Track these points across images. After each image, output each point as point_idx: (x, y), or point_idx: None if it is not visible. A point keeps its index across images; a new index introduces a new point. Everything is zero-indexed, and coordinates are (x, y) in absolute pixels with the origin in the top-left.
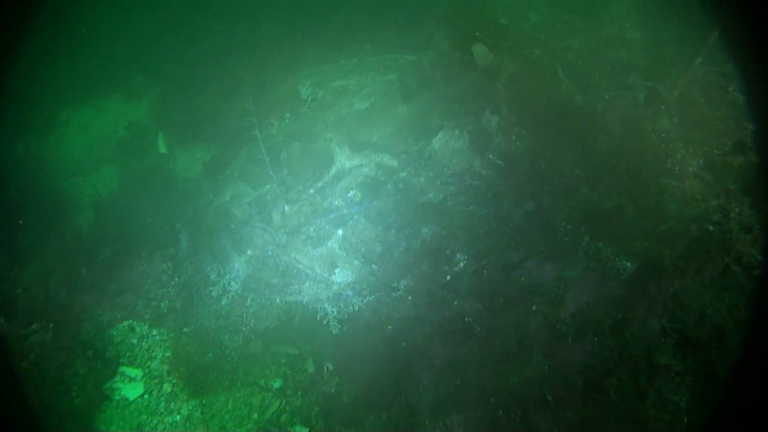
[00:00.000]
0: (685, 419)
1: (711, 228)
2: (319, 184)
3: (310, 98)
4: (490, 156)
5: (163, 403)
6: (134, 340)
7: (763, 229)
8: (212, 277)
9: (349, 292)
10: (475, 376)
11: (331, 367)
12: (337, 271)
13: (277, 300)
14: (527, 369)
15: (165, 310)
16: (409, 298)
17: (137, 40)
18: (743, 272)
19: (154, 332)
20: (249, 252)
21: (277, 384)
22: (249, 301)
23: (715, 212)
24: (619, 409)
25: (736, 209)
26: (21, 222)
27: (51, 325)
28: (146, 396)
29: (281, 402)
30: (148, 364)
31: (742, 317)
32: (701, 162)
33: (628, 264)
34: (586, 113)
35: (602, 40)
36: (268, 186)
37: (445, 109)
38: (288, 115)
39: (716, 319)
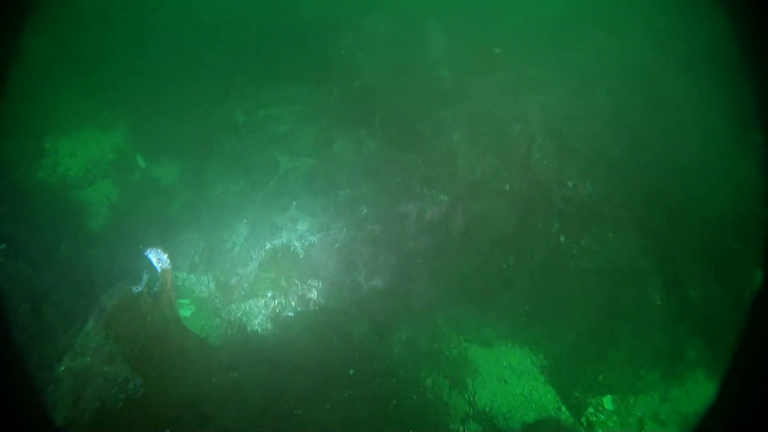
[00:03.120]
0: None
1: None
2: (276, 178)
3: (246, 123)
4: (363, 151)
5: (210, 314)
6: (179, 283)
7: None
8: (224, 237)
9: (307, 234)
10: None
11: (296, 281)
12: (298, 223)
13: (267, 244)
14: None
15: (197, 261)
16: (341, 234)
17: (94, 74)
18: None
19: (191, 276)
20: (245, 220)
21: (269, 293)
22: (250, 245)
23: None
24: None
25: None
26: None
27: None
28: (197, 312)
29: (275, 303)
30: (192, 295)
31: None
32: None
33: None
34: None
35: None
36: (242, 182)
37: (337, 128)
38: (233, 135)
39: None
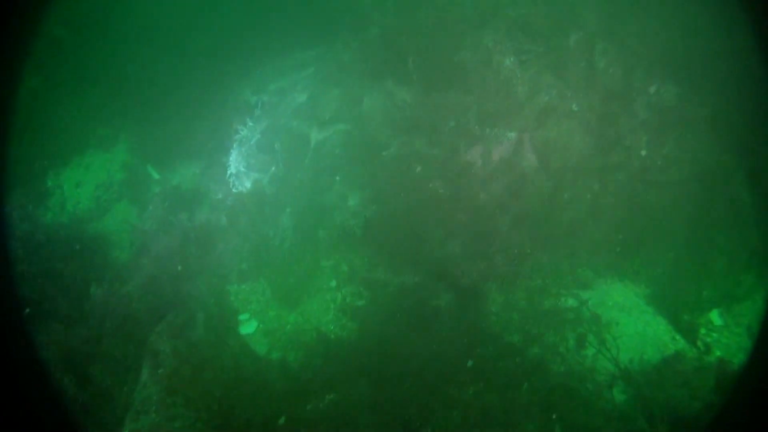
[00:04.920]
0: None
1: None
2: (309, 154)
3: (259, 102)
4: (398, 103)
5: (275, 323)
6: (231, 298)
7: None
8: (270, 234)
9: (360, 209)
10: None
11: (365, 258)
12: (348, 199)
13: (320, 231)
14: None
15: (245, 268)
16: (398, 200)
17: (80, 94)
18: None
19: (243, 287)
20: (288, 209)
21: (333, 283)
22: (301, 237)
23: None
24: None
25: None
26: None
27: None
28: (260, 325)
29: (342, 293)
30: (249, 307)
31: None
32: None
33: None
34: None
35: None
36: (273, 168)
37: (363, 83)
38: (248, 119)
39: None
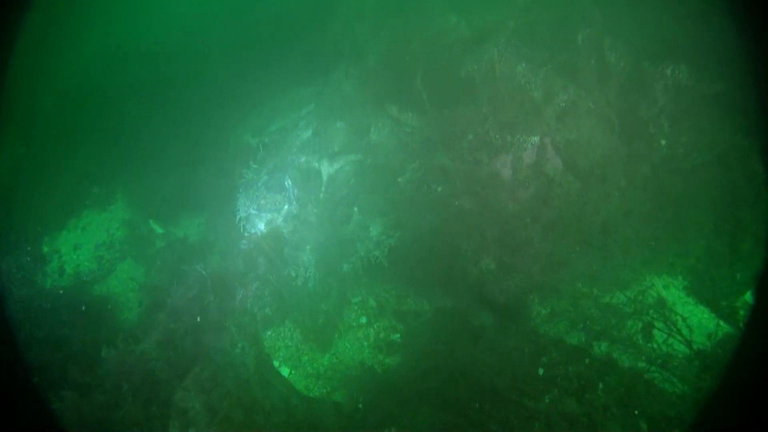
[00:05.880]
0: None
1: None
2: (323, 188)
3: (260, 145)
4: (406, 129)
5: (308, 367)
6: None
7: None
8: (291, 274)
9: (384, 238)
10: None
11: (393, 290)
12: (369, 229)
13: (344, 266)
14: None
15: (270, 313)
16: (423, 222)
17: (71, 156)
18: None
19: (269, 332)
20: (307, 247)
21: (363, 320)
22: (324, 273)
23: None
24: None
25: None
26: None
27: None
28: (293, 371)
29: (374, 328)
30: (278, 354)
31: None
32: None
33: None
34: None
35: None
36: (286, 206)
37: (367, 112)
38: (251, 162)
39: None
